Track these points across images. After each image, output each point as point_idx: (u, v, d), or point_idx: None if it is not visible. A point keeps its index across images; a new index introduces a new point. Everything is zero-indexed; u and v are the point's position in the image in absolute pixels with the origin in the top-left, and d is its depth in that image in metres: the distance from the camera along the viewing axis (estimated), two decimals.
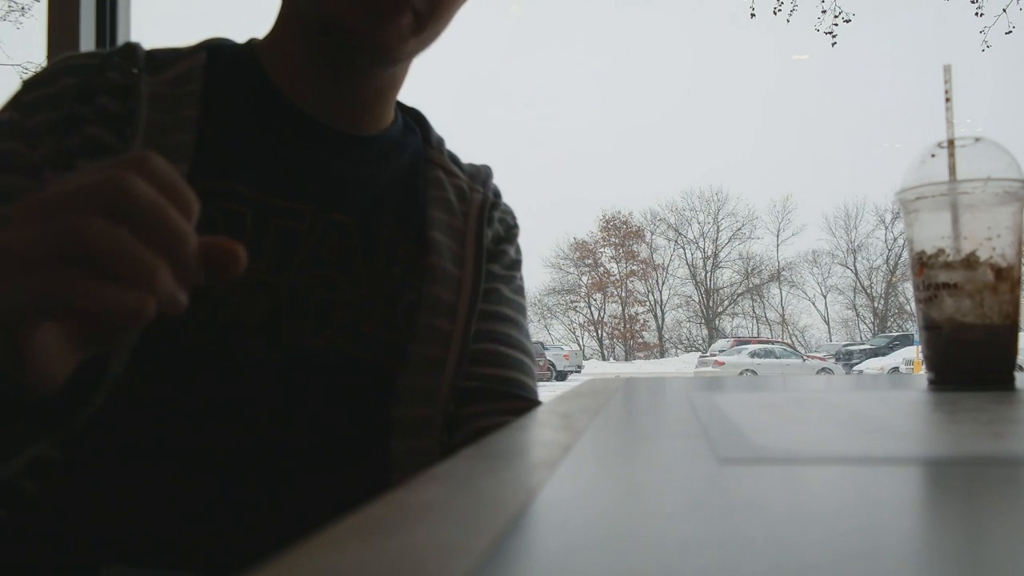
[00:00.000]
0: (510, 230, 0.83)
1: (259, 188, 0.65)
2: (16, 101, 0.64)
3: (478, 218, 0.77)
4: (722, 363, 23.23)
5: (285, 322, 0.63)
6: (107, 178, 0.36)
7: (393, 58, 0.69)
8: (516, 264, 0.83)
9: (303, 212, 0.66)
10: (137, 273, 0.36)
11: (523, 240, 0.86)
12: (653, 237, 38.76)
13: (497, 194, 0.83)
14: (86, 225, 0.35)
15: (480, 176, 0.82)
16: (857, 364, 22.78)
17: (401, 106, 0.83)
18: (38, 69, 0.69)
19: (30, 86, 0.65)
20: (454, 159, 0.82)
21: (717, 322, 37.63)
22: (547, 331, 36.30)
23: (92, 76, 0.64)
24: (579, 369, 26.01)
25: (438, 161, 0.79)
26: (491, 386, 0.73)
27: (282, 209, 0.65)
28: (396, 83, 0.76)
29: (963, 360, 0.59)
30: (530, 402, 0.74)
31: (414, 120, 0.83)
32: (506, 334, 0.76)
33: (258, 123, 0.69)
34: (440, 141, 0.82)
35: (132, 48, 0.68)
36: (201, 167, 0.62)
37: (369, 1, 0.63)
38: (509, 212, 0.85)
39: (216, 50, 0.72)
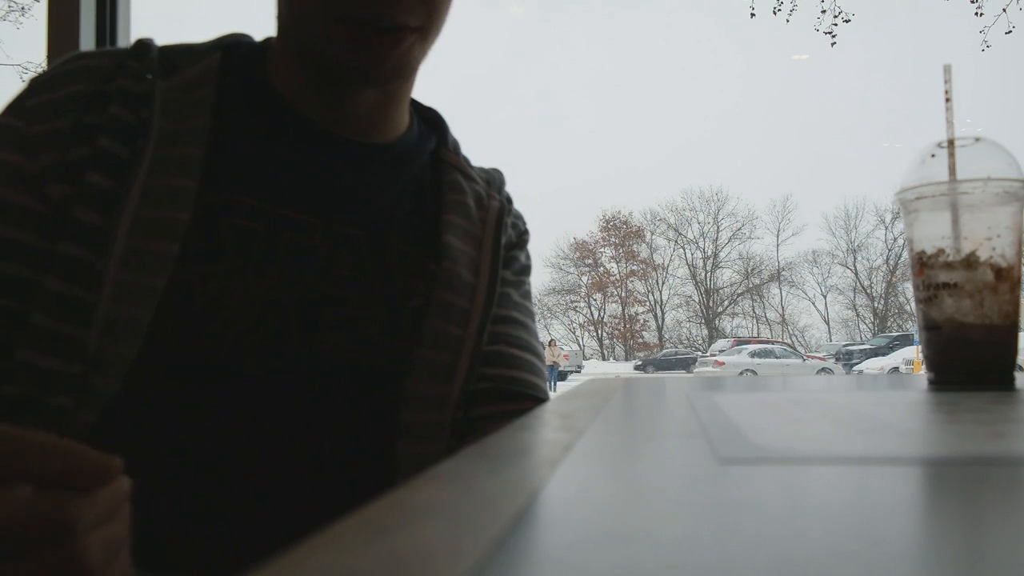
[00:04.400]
0: (521, 236, 0.83)
1: (269, 201, 0.63)
2: (19, 104, 0.61)
3: (496, 226, 0.76)
4: (722, 363, 23.24)
5: (292, 334, 0.62)
6: None
7: (397, 79, 0.68)
8: (526, 270, 0.83)
9: (314, 225, 0.65)
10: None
11: None
12: (653, 237, 38.81)
13: (509, 200, 0.83)
14: None
15: (495, 182, 0.82)
16: (857, 364, 22.78)
17: (418, 107, 0.80)
18: (43, 69, 0.66)
19: (35, 89, 0.62)
20: (467, 163, 0.81)
21: (717, 322, 37.63)
22: (547, 331, 36.30)
23: (103, 83, 0.62)
24: (579, 369, 26.02)
25: (455, 164, 0.78)
26: (501, 387, 0.72)
27: (292, 222, 0.64)
28: (406, 88, 0.74)
29: (963, 360, 0.59)
30: (541, 402, 0.74)
31: (431, 121, 0.81)
32: (515, 336, 0.76)
33: (267, 134, 0.67)
34: (456, 144, 0.81)
35: (145, 48, 0.65)
36: (211, 180, 0.61)
37: (364, 44, 0.61)
38: (520, 218, 0.85)
39: (231, 50, 0.70)
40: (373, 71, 0.64)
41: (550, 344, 22.06)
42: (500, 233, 0.76)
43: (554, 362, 20.40)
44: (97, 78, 0.62)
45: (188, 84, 0.65)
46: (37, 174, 0.58)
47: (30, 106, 0.61)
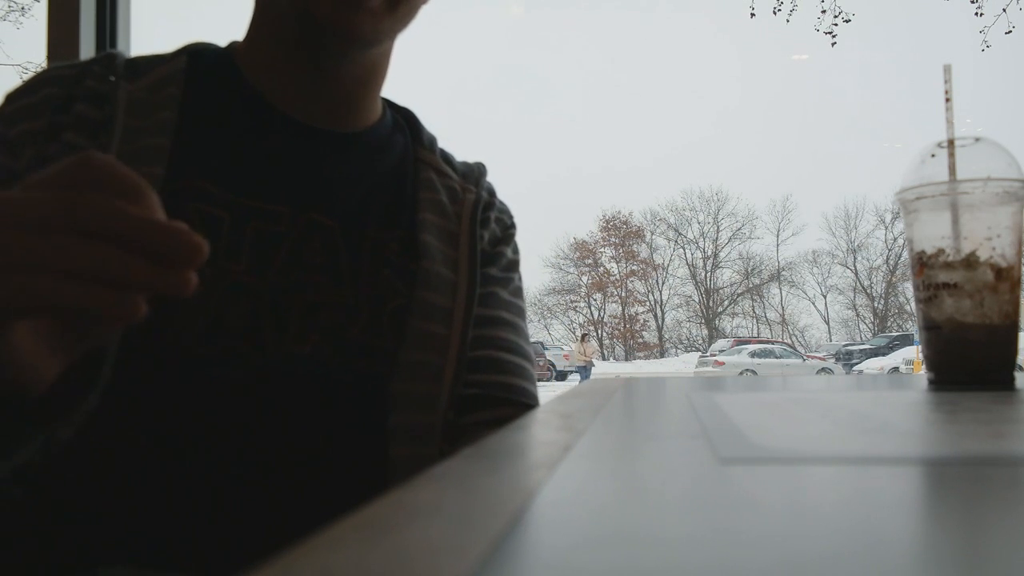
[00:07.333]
0: (507, 230, 0.82)
1: (236, 190, 0.64)
2: None
3: (471, 219, 0.75)
4: (722, 363, 23.23)
5: (267, 325, 0.62)
6: (55, 197, 0.38)
7: (369, 42, 0.68)
8: (513, 265, 0.81)
9: (280, 214, 0.65)
10: (110, 271, 0.38)
11: (523, 240, 0.85)
12: (653, 237, 38.80)
13: (492, 192, 0.82)
14: (57, 241, 0.37)
15: (473, 175, 0.81)
16: (857, 364, 22.79)
17: (391, 105, 0.81)
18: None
19: (12, 98, 0.66)
20: (447, 158, 0.81)
21: (717, 322, 37.63)
22: (547, 331, 36.31)
23: (71, 86, 0.65)
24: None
25: (429, 161, 0.78)
26: (492, 393, 0.72)
27: (259, 211, 0.65)
28: (379, 72, 0.75)
29: (963, 360, 0.59)
30: (532, 408, 0.73)
31: (404, 119, 0.81)
32: (505, 339, 0.75)
33: (236, 124, 0.68)
34: (432, 140, 0.81)
35: (112, 57, 0.68)
36: (178, 169, 0.62)
37: None
38: (505, 211, 0.83)
39: (197, 54, 0.72)
40: (343, 23, 0.64)
41: (583, 339, 20.73)
42: (476, 226, 0.75)
43: (587, 360, 18.47)
44: (67, 83, 0.65)
45: (153, 85, 0.67)
46: (20, 171, 0.61)
47: (8, 112, 0.64)
